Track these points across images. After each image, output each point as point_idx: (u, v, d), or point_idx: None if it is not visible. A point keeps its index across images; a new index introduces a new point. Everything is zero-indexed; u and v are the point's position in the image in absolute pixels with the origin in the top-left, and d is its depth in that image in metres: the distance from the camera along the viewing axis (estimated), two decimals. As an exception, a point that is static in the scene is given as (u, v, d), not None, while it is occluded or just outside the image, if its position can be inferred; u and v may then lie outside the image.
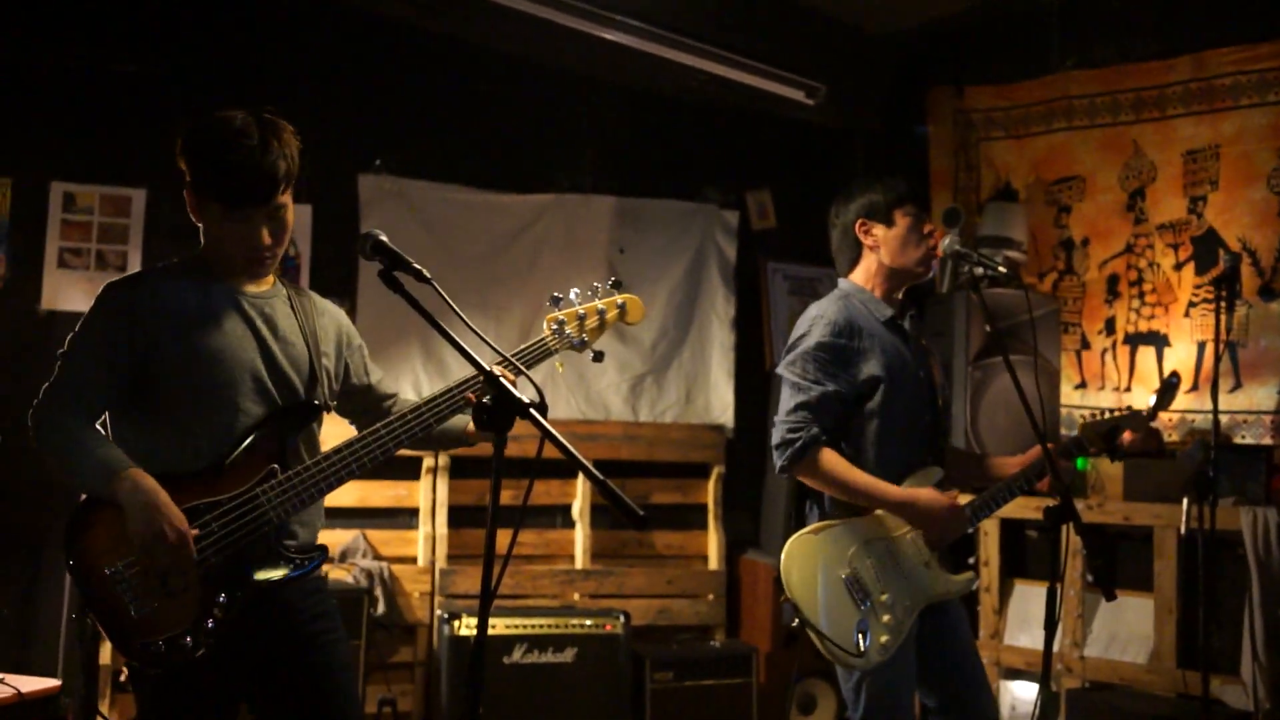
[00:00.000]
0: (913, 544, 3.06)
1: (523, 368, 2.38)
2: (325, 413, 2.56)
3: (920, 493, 3.04)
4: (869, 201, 3.18)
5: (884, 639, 2.94)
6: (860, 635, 2.91)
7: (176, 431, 2.35)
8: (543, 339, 2.60)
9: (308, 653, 2.46)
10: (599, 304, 2.68)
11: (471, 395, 2.46)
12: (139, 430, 2.37)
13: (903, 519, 3.04)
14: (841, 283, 3.25)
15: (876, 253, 3.17)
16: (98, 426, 2.36)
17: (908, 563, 3.04)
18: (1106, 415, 3.22)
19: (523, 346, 2.57)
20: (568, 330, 2.61)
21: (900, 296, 3.23)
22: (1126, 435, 3.22)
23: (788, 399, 3.07)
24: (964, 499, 3.13)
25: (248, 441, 2.38)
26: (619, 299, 2.71)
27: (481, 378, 2.10)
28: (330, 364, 2.57)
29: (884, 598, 2.97)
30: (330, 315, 2.63)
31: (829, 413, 3.03)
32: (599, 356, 2.62)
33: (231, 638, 2.32)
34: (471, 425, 2.42)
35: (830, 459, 2.99)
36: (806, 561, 2.97)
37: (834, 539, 3.00)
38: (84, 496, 2.33)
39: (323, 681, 2.47)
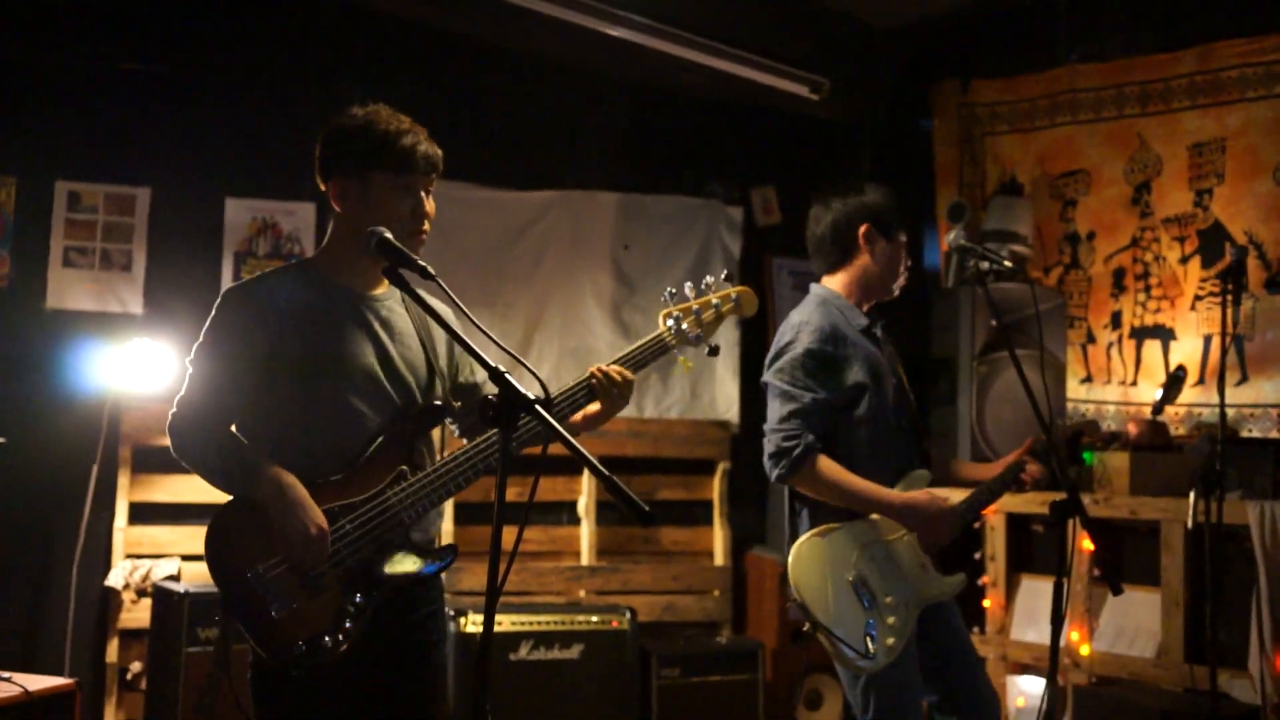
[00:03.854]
0: (909, 547, 3.06)
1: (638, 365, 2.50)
2: (448, 414, 2.57)
3: (919, 497, 3.02)
4: (882, 211, 3.15)
5: (890, 640, 2.94)
6: (868, 637, 2.91)
7: (293, 433, 2.37)
8: (659, 335, 2.59)
9: (406, 649, 2.46)
10: (713, 298, 2.64)
11: (596, 380, 2.49)
12: (259, 434, 2.39)
13: (902, 523, 3.02)
14: (816, 288, 3.21)
15: (869, 262, 3.16)
16: (233, 429, 2.39)
17: (906, 565, 3.04)
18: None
19: (640, 343, 2.57)
20: (684, 326, 2.59)
21: (868, 307, 3.22)
22: (1031, 469, 3.15)
23: (778, 407, 3.03)
24: (956, 496, 3.13)
25: (377, 443, 2.39)
26: (733, 292, 2.68)
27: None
28: (443, 364, 2.57)
29: (889, 600, 2.97)
30: (441, 314, 2.63)
31: (821, 420, 3.00)
32: (714, 351, 2.61)
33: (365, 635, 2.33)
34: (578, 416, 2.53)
35: (828, 466, 2.97)
36: (815, 565, 2.96)
37: (839, 542, 3.00)
38: (225, 502, 2.37)
39: (406, 677, 2.46)
